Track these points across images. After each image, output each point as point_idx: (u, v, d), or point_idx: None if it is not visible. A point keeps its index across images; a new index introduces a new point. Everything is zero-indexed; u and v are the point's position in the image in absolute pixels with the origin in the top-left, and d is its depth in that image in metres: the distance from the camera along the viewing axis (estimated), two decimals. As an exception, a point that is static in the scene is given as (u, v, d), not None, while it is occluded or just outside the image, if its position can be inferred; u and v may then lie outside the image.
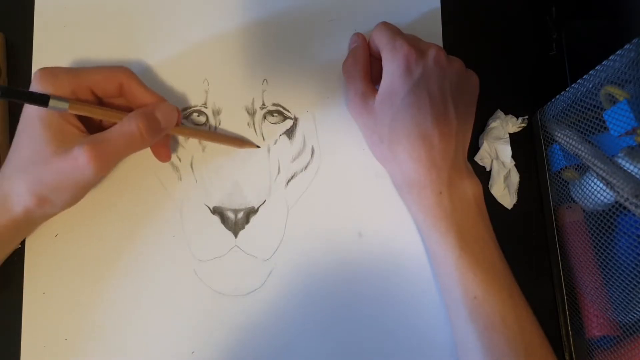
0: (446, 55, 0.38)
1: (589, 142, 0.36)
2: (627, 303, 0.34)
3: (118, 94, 0.36)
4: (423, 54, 0.37)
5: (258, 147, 0.40)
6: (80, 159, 0.31)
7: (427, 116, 0.35)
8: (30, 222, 0.34)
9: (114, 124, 0.34)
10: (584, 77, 0.35)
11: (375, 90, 0.38)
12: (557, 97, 0.38)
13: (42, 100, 0.31)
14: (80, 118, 0.34)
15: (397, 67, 0.36)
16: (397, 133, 0.36)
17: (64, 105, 0.32)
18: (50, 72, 0.33)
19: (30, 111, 0.33)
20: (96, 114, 0.34)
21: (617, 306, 0.35)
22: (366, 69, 0.39)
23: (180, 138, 0.40)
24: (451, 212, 0.36)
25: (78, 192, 0.34)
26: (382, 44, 0.38)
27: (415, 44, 0.37)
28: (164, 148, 0.38)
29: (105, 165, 0.33)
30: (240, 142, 0.40)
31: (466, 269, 0.35)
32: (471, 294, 0.35)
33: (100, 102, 0.36)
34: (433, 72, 0.36)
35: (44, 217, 0.35)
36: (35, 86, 0.33)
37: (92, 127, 0.35)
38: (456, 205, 0.36)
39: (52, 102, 0.31)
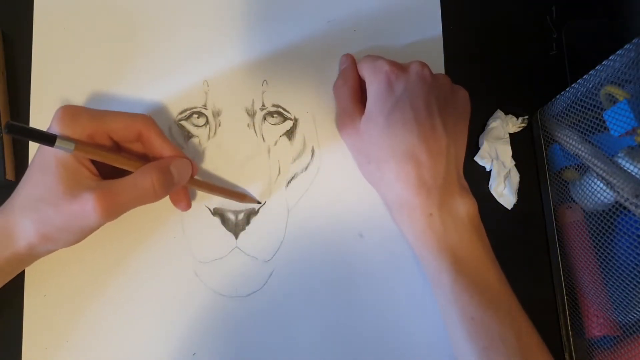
0: (431, 71, 0.37)
1: (589, 142, 0.36)
2: (627, 303, 0.34)
3: (136, 140, 0.35)
4: (404, 70, 0.37)
5: (259, 202, 0.40)
6: (88, 205, 0.31)
7: (412, 132, 0.35)
8: (32, 256, 0.34)
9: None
10: (584, 77, 0.35)
11: (363, 111, 0.37)
12: (557, 97, 0.38)
13: (49, 139, 0.30)
14: (96, 162, 0.33)
15: (379, 85, 0.36)
16: (383, 152, 0.36)
17: (70, 146, 0.31)
18: (71, 112, 0.32)
19: (46, 150, 0.32)
20: (107, 159, 0.33)
21: (617, 306, 0.35)
22: (354, 89, 0.39)
23: (182, 135, 0.40)
24: (443, 234, 0.35)
25: (81, 234, 0.33)
26: (364, 69, 0.38)
27: (396, 63, 0.37)
28: (184, 199, 0.38)
29: (112, 214, 0.32)
30: (243, 196, 0.39)
31: (462, 291, 0.34)
32: (468, 315, 0.34)
33: (117, 145, 0.35)
34: (416, 86, 0.36)
35: (46, 252, 0.35)
36: (54, 124, 0.32)
37: (108, 171, 0.35)
38: (449, 227, 0.35)
39: (58, 142, 0.30)
